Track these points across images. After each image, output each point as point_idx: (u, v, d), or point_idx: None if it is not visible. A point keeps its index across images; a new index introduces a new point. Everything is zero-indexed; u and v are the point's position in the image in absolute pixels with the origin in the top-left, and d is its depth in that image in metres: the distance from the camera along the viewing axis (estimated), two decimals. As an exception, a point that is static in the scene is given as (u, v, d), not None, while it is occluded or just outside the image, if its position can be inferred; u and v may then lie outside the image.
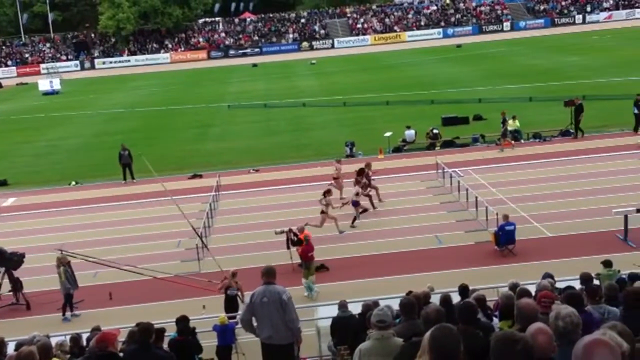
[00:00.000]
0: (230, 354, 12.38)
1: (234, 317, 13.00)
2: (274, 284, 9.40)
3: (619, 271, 12.49)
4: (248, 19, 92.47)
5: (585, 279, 10.37)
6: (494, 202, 20.38)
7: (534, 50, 60.84)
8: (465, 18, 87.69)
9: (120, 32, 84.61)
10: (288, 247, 17.20)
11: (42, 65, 79.99)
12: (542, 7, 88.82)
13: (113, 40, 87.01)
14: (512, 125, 29.36)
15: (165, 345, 10.18)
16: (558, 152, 26.72)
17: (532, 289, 9.77)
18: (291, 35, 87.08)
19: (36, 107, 53.31)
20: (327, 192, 20.30)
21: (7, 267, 16.66)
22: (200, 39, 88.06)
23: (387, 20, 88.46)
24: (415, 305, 8.28)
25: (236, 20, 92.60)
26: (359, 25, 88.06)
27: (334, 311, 11.92)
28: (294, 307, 9.46)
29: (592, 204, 20.12)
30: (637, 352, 5.01)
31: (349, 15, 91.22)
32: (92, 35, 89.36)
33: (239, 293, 14.37)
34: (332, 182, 22.63)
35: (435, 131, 30.27)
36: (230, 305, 14.24)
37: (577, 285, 10.59)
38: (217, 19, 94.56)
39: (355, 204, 20.89)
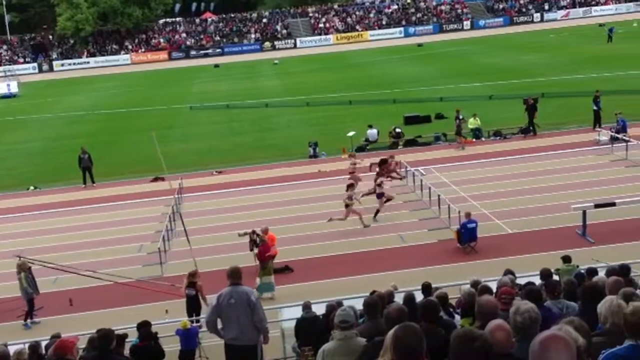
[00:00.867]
0: (194, 358, 12.26)
1: (197, 321, 12.89)
2: (240, 284, 9.36)
3: (577, 266, 12.71)
4: (209, 19, 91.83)
5: (545, 274, 10.52)
6: (456, 200, 20.55)
7: (493, 49, 61.60)
8: (426, 17, 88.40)
9: (79, 34, 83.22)
10: (251, 249, 17.13)
11: (-1, 68, 78.42)
12: (501, 6, 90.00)
13: (72, 41, 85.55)
14: (472, 123, 29.71)
15: (126, 352, 10.04)
16: (518, 149, 27.06)
17: (494, 286, 9.86)
18: (253, 36, 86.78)
19: (-7, 110, 52.19)
20: (350, 186, 20.52)
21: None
22: (161, 40, 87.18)
23: (349, 19, 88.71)
24: (378, 305, 8.30)
25: (197, 20, 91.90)
26: (321, 25, 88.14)
27: (298, 312, 11.88)
28: (261, 307, 9.47)
29: (551, 201, 20.42)
30: (593, 346, 5.10)
31: (310, 14, 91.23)
32: (50, 36, 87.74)
33: (199, 293, 14.21)
34: (350, 176, 22.60)
35: (397, 130, 30.45)
36: (191, 306, 14.13)
37: (538, 281, 10.74)
38: (177, 19, 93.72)
39: (380, 195, 20.84)
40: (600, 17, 79.06)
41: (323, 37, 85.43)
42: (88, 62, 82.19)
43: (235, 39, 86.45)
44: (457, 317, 9.35)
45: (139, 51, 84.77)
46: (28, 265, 15.69)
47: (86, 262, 18.23)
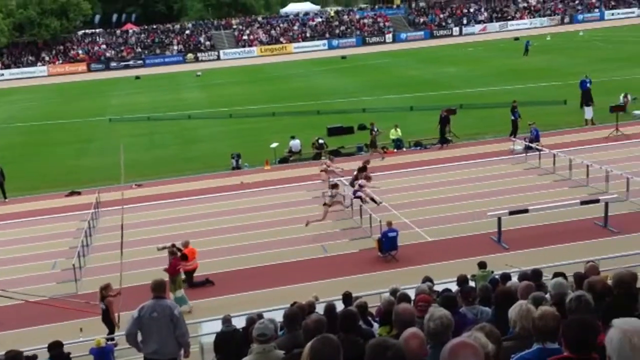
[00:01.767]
0: (110, 378, 11.83)
1: (112, 339, 12.47)
2: (163, 298, 9.27)
3: (492, 272, 12.98)
4: (131, 31, 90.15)
5: (461, 280, 10.68)
6: (377, 210, 20.73)
7: (415, 61, 62.87)
8: (349, 30, 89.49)
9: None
10: (172, 263, 16.74)
11: None
12: (421, 20, 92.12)
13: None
14: (394, 134, 30.16)
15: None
16: (437, 159, 27.58)
17: (413, 294, 9.93)
18: (176, 47, 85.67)
19: None
20: (335, 186, 20.90)
21: None
22: (80, 51, 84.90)
23: (273, 32, 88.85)
24: (298, 316, 8.20)
25: (118, 32, 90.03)
26: (245, 37, 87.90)
27: (217, 326, 11.66)
28: (184, 321, 9.38)
29: (468, 208, 20.86)
30: (503, 351, 5.15)
31: (234, 26, 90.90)
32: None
33: (109, 309, 13.77)
34: (320, 175, 23.54)
35: (320, 141, 30.57)
36: (105, 320, 13.74)
37: (455, 287, 10.90)
38: (97, 30, 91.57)
39: (358, 196, 21.19)
40: (515, 31, 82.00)
41: (247, 49, 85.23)
42: (2, 75, 79.09)
43: (157, 51, 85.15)
44: (377, 325, 9.35)
45: (57, 63, 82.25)
46: None
47: (-4, 281, 17.39)
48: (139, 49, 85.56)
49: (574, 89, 34.37)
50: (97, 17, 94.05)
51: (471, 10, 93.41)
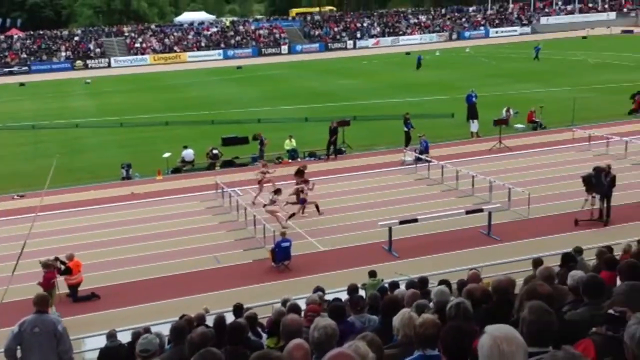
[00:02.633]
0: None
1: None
2: (46, 313, 8.92)
3: (382, 280, 13.21)
4: (15, 36, 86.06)
5: (351, 289, 10.78)
6: (271, 220, 20.69)
7: (310, 73, 63.51)
8: (245, 40, 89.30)
9: None
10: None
11: None
12: (317, 32, 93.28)
13: None
14: (288, 144, 30.28)
15: None
16: (330, 169, 27.87)
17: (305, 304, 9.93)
18: (64, 54, 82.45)
19: None
20: (277, 191, 20.92)
21: None
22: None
23: (166, 40, 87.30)
24: (184, 330, 8.01)
25: (2, 37, 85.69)
26: (137, 45, 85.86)
27: (102, 342, 11.22)
28: (68, 337, 9.03)
29: (360, 218, 21.18)
30: (386, 359, 5.21)
31: (126, 34, 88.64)
32: None
33: None
34: (258, 185, 23.75)
35: (215, 151, 30.23)
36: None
37: (346, 296, 11.00)
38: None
39: (303, 201, 21.63)
40: (407, 46, 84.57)
41: (139, 57, 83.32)
42: None
43: (44, 57, 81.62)
44: (266, 337, 9.28)
45: None
46: None
47: None
48: (25, 55, 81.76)
49: (461, 103, 35.76)
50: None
51: (364, 24, 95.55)
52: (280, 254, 17.55)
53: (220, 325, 8.84)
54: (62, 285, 16.23)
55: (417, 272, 13.59)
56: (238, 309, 10.96)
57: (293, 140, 30.54)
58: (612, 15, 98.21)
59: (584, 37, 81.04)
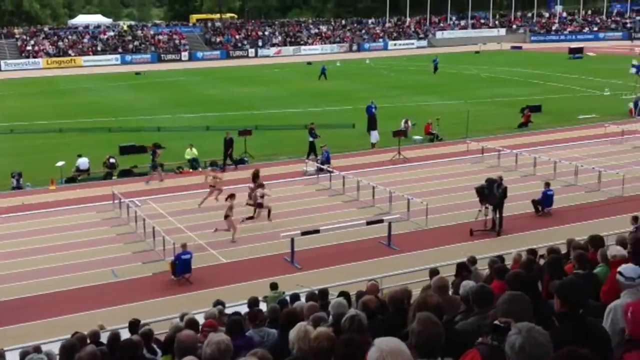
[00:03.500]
0: None
1: None
2: None
3: (284, 292, 13.23)
4: None
5: (251, 302, 10.73)
6: (172, 232, 20.34)
7: (211, 81, 62.92)
8: (143, 46, 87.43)
9: None
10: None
11: None
12: (218, 40, 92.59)
13: None
14: (189, 153, 29.85)
15: None
16: (231, 180, 27.46)
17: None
18: (-52, 55, 77.97)
19: None
20: (231, 197, 20.75)
21: None
22: None
23: (60, 43, 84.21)
24: (75, 348, 7.75)
25: None
26: (29, 48, 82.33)
27: (-12, 363, 10.64)
28: None
29: (263, 229, 21.13)
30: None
31: (17, 36, 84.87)
32: None
33: None
34: (212, 189, 24.03)
35: (112, 160, 29.39)
36: None
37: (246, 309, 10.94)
38: None
39: (260, 205, 21.79)
40: (308, 56, 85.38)
41: (32, 60, 79.96)
42: None
43: None
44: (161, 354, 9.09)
45: None
46: None
47: None
48: None
49: (361, 114, 36.46)
50: None
51: (266, 33, 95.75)
52: (181, 266, 17.26)
53: (114, 342, 8.61)
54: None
55: (318, 284, 13.70)
56: (134, 325, 10.67)
57: (194, 149, 30.12)
58: (502, 31, 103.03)
59: (477, 52, 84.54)
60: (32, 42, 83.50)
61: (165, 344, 8.13)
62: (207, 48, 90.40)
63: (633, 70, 42.04)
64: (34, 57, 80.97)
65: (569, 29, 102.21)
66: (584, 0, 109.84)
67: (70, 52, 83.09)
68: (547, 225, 20.79)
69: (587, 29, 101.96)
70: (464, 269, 10.75)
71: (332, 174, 26.22)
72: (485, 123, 37.11)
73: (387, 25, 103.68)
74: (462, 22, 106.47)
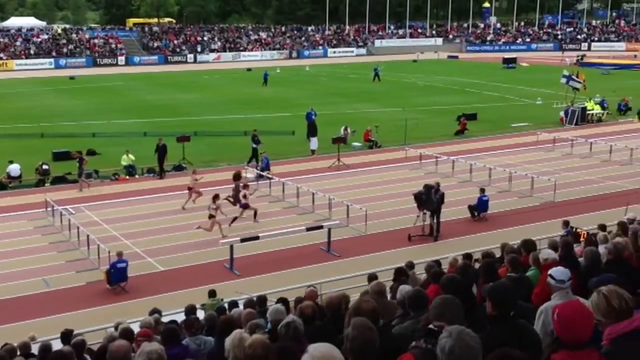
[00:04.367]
0: None
1: None
2: None
3: (222, 300, 13.10)
4: None
5: (188, 310, 10.59)
6: (107, 240, 19.90)
7: (149, 86, 61.97)
8: (78, 49, 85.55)
9: None
10: None
11: None
12: (155, 44, 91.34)
13: None
14: (125, 160, 29.29)
15: None
16: (169, 186, 27.12)
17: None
18: None
19: None
20: (216, 197, 21.12)
21: None
22: None
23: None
24: (5, 361, 7.48)
25: None
26: (-42, 50, 79.54)
27: None
28: None
29: (201, 236, 20.86)
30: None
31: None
32: None
33: None
34: (188, 191, 24.23)
35: (45, 167, 28.58)
36: None
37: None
38: None
39: (245, 205, 21.97)
40: (248, 62, 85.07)
41: (-40, 63, 77.20)
42: None
43: None
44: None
45: None
46: None
47: None
48: None
49: (301, 120, 36.53)
50: None
51: (205, 38, 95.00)
52: (116, 275, 16.90)
53: (45, 354, 8.36)
54: None
55: (258, 291, 13.64)
56: (66, 336, 10.38)
57: (131, 155, 29.55)
58: (439, 41, 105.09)
59: (415, 61, 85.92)
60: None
61: (97, 354, 7.94)
62: (145, 53, 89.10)
63: (563, 80, 43.44)
64: (-37, 59, 78.30)
65: (503, 40, 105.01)
66: (517, 12, 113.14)
67: (1, 55, 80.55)
68: (483, 230, 21.27)
69: (520, 39, 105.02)
70: (402, 274, 10.87)
71: (271, 181, 26.15)
72: (423, 130, 37.69)
73: (327, 32, 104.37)
74: (401, 31, 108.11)
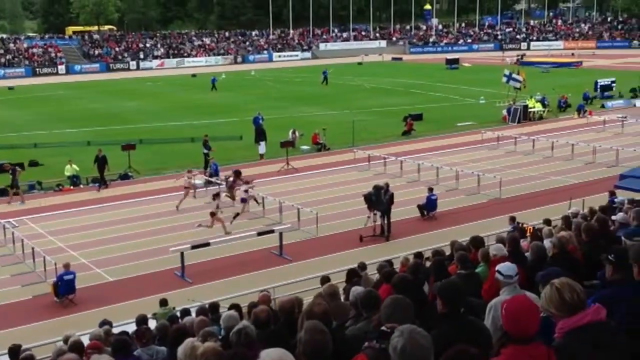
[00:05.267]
0: None
1: None
2: None
3: (174, 308, 12.94)
4: None
5: (139, 321, 10.42)
6: (53, 252, 19.47)
7: (91, 94, 60.82)
8: (17, 59, 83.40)
9: None
10: None
11: None
12: (97, 52, 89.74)
13: None
14: (69, 170, 28.67)
15: None
16: (115, 196, 26.72)
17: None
18: None
19: None
20: (217, 195, 21.91)
21: None
22: None
23: None
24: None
25: None
26: None
27: None
28: None
29: (150, 245, 20.60)
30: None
31: None
32: None
33: None
34: (183, 191, 24.75)
35: (-16, 179, 27.75)
36: None
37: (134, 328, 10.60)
38: None
39: (244, 200, 22.64)
40: (192, 68, 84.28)
41: None
42: None
43: None
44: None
45: None
46: None
47: None
48: None
49: (248, 125, 36.33)
50: None
51: (147, 45, 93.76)
52: (64, 287, 16.51)
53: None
54: None
55: (210, 297, 13.52)
56: (14, 351, 10.09)
57: (74, 165, 28.90)
58: (383, 43, 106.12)
59: (360, 63, 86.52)
60: None
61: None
62: (86, 61, 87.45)
63: (505, 79, 44.42)
64: None
65: (445, 41, 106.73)
66: (458, 14, 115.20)
67: None
68: (432, 228, 21.55)
69: (461, 40, 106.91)
70: (354, 275, 10.92)
71: (220, 187, 25.96)
72: (371, 132, 38.00)
73: (271, 37, 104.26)
74: (345, 34, 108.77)
